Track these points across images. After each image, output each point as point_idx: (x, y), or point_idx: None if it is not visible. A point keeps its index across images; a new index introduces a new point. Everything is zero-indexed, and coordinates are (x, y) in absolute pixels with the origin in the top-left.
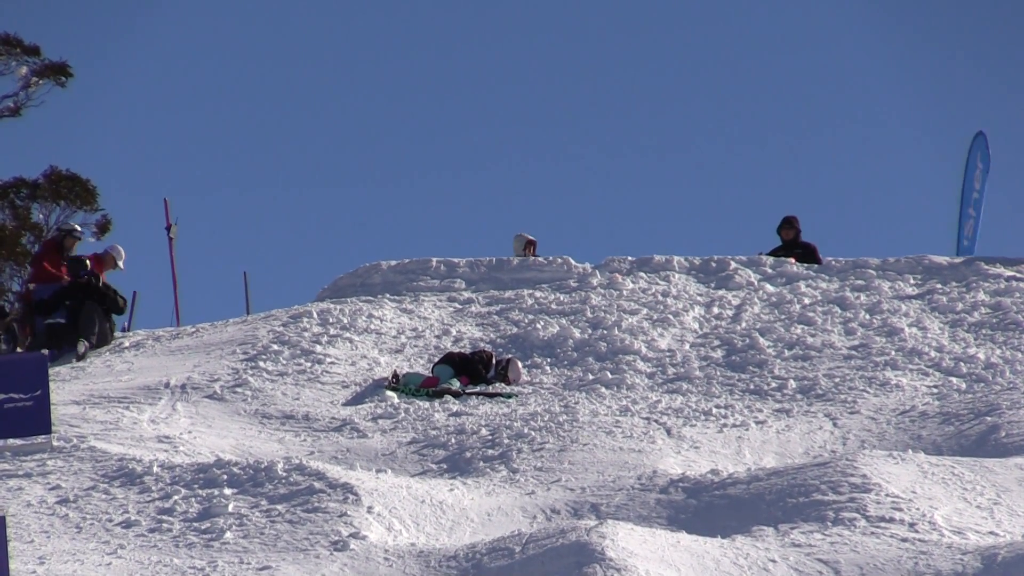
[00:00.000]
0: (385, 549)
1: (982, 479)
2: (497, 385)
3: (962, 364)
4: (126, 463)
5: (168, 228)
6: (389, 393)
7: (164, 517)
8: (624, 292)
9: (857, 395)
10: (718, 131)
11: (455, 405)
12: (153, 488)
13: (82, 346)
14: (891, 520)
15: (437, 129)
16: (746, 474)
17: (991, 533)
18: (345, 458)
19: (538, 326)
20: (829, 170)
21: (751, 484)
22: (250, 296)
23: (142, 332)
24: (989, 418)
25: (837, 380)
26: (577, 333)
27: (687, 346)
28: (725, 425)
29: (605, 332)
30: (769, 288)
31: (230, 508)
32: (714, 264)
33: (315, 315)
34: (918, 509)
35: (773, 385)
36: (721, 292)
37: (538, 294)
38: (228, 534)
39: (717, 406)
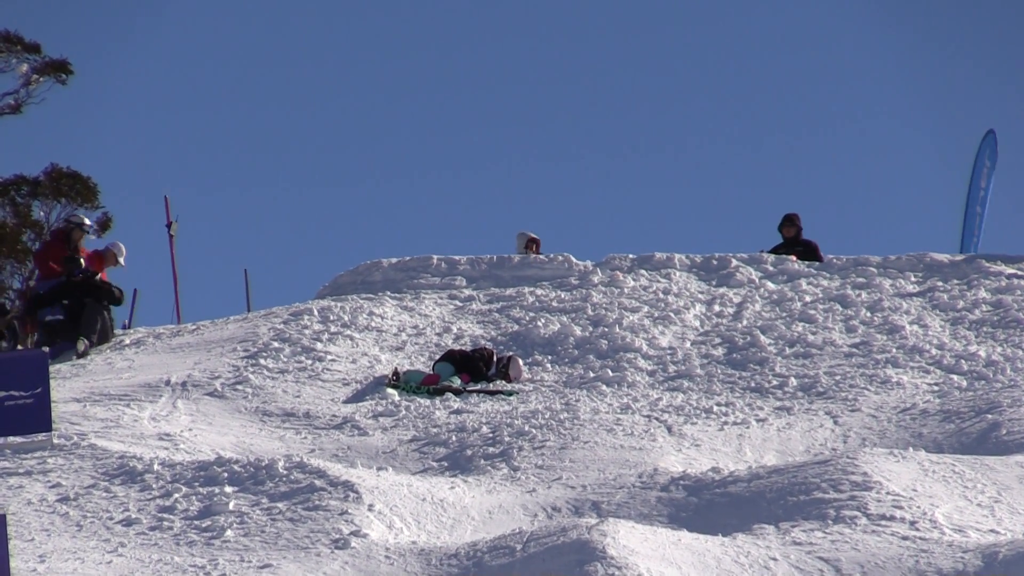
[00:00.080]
0: (386, 547)
1: (983, 477)
2: (498, 383)
3: (963, 362)
4: (127, 461)
5: (169, 225)
6: (390, 391)
7: (165, 515)
8: (625, 290)
9: (858, 393)
10: (719, 129)
11: (456, 403)
12: (154, 486)
13: (82, 344)
14: (892, 518)
15: (438, 127)
16: (747, 472)
17: (992, 531)
18: (346, 456)
19: (539, 324)
20: (830, 168)
21: (752, 482)
22: (251, 293)
23: (143, 329)
24: (990, 416)
25: (838, 378)
26: (578, 331)
27: (688, 344)
28: (726, 423)
29: (606, 330)
30: (770, 286)
31: (231, 506)
32: (715, 262)
33: (316, 312)
34: (919, 507)
35: (774, 383)
36: (722, 290)
37: (539, 292)
38: (229, 532)
39: (718, 404)
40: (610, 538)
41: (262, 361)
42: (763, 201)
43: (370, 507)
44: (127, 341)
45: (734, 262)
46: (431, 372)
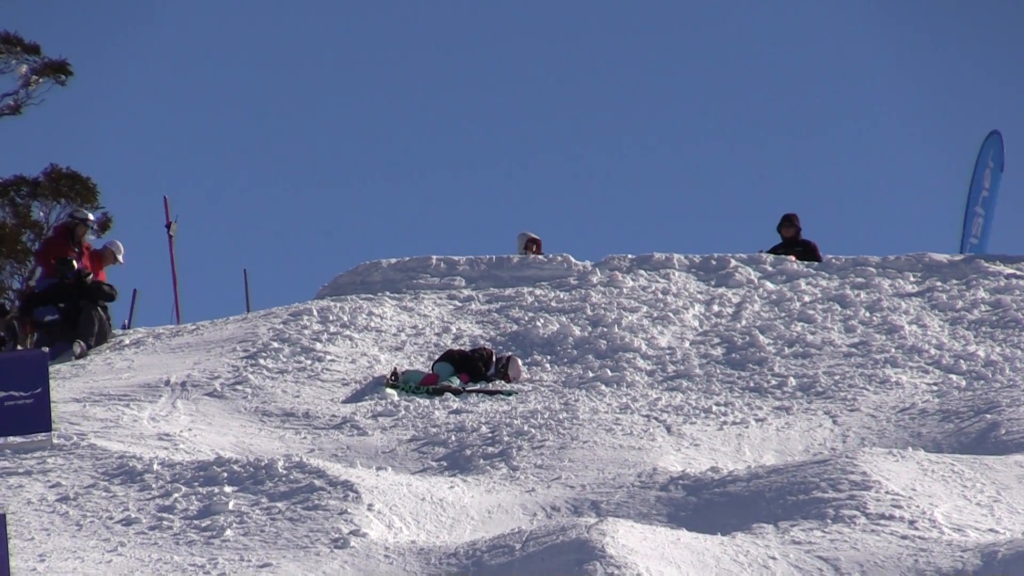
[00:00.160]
0: (385, 547)
1: (982, 476)
2: (497, 383)
3: (962, 362)
4: (126, 461)
5: (168, 226)
6: (389, 391)
7: (164, 515)
8: (624, 290)
9: (857, 392)
10: (719, 129)
11: (455, 403)
12: (153, 486)
13: (78, 347)
14: (891, 517)
15: (437, 127)
16: (746, 472)
17: (991, 530)
18: (345, 456)
19: (538, 324)
20: (829, 168)
21: (751, 482)
22: (250, 294)
23: (142, 330)
24: (989, 415)
25: (837, 378)
26: (577, 331)
27: (687, 344)
28: (725, 423)
29: (605, 330)
30: (769, 286)
31: (230, 506)
32: (714, 262)
33: (315, 313)
34: (918, 506)
35: (773, 383)
36: (721, 290)
37: (538, 292)
38: (228, 532)
39: (717, 404)
40: (609, 537)
41: (261, 361)
42: (762, 201)
43: (369, 507)
44: (127, 341)
45: (733, 262)
46: (430, 372)
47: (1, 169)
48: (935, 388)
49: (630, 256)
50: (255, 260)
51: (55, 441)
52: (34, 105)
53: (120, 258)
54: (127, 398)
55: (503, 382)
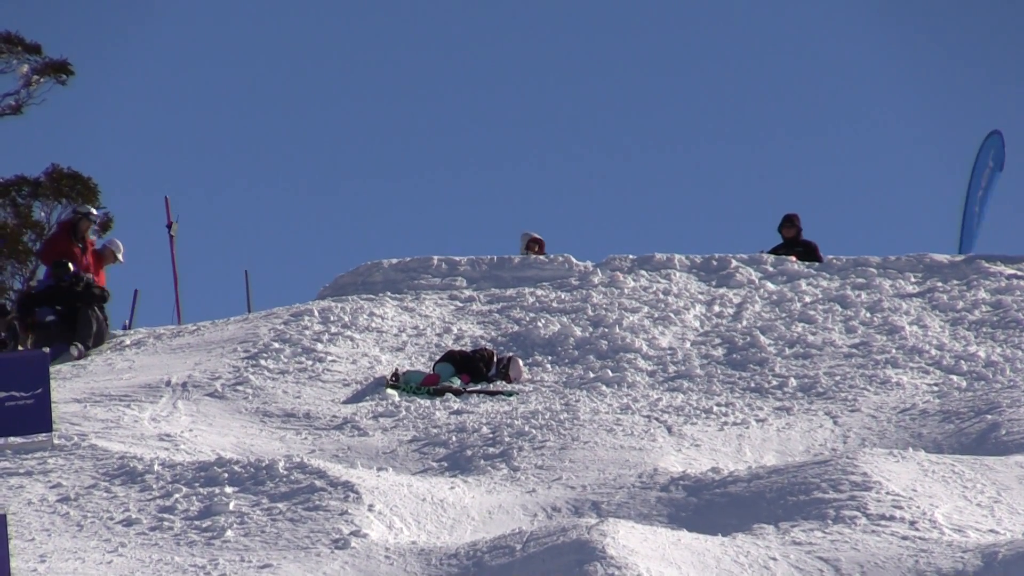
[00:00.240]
0: (386, 547)
1: (982, 477)
2: (498, 383)
3: (963, 362)
4: (127, 461)
5: (169, 226)
6: (390, 391)
7: (165, 515)
8: (625, 290)
9: (858, 393)
10: (719, 129)
11: (456, 403)
12: (154, 486)
13: (75, 350)
14: (892, 518)
15: (438, 128)
16: (747, 472)
17: (991, 531)
18: (346, 456)
19: (539, 324)
20: (830, 168)
21: (752, 482)
22: (251, 294)
23: (143, 330)
24: (989, 416)
25: (838, 378)
26: (578, 331)
27: (688, 344)
28: (726, 423)
29: (606, 330)
30: (770, 286)
31: (231, 506)
32: (715, 262)
33: (316, 313)
34: (918, 507)
35: (774, 383)
36: (722, 290)
37: (539, 292)
38: (229, 532)
39: (718, 404)
40: (610, 538)
41: (262, 362)
42: (763, 202)
43: (370, 507)
44: (127, 342)
45: (734, 263)
46: (431, 373)
47: (2, 169)
48: (936, 389)
49: (631, 256)
50: (256, 260)
51: (56, 442)
52: (35, 105)
53: (120, 257)
54: (128, 398)
55: (504, 383)
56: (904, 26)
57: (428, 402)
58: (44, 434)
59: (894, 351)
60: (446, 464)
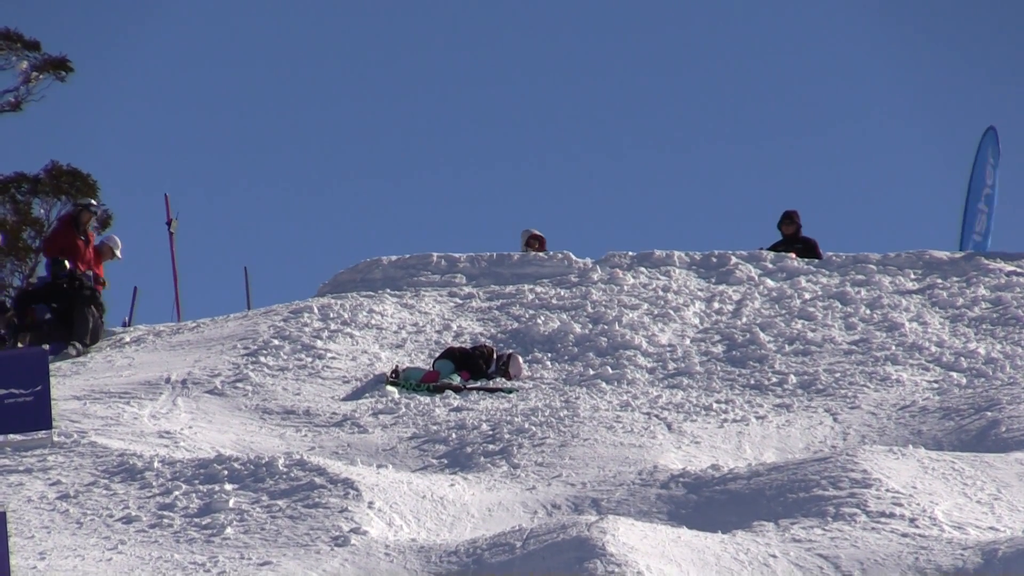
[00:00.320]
0: (386, 544)
1: (982, 474)
2: (498, 380)
3: (962, 359)
4: (127, 458)
5: (169, 223)
6: (390, 388)
7: (165, 512)
8: (625, 287)
9: (857, 390)
10: (719, 127)
11: (456, 400)
12: (154, 483)
13: (73, 350)
14: (891, 515)
15: (438, 125)
16: (746, 469)
17: (991, 528)
18: (346, 453)
19: (539, 321)
20: (829, 165)
21: (751, 479)
22: (251, 291)
23: (143, 327)
24: (989, 413)
25: (837, 375)
26: (578, 328)
27: (688, 341)
28: (725, 420)
29: (606, 327)
30: (770, 283)
31: (231, 503)
32: (715, 259)
33: (316, 310)
34: (918, 504)
35: (773, 380)
36: (722, 287)
37: (539, 289)
38: (229, 529)
39: (718, 401)
40: (610, 535)
41: (262, 359)
42: (762, 199)
43: (370, 504)
44: (127, 339)
45: (733, 259)
46: (431, 370)
47: (1, 166)
48: (936, 386)
49: (631, 253)
50: (256, 257)
51: (55, 439)
52: (34, 102)
53: (118, 253)
54: (127, 396)
55: (504, 380)
56: (902, 25)
57: (428, 399)
58: (44, 431)
59: (894, 348)
60: (446, 461)
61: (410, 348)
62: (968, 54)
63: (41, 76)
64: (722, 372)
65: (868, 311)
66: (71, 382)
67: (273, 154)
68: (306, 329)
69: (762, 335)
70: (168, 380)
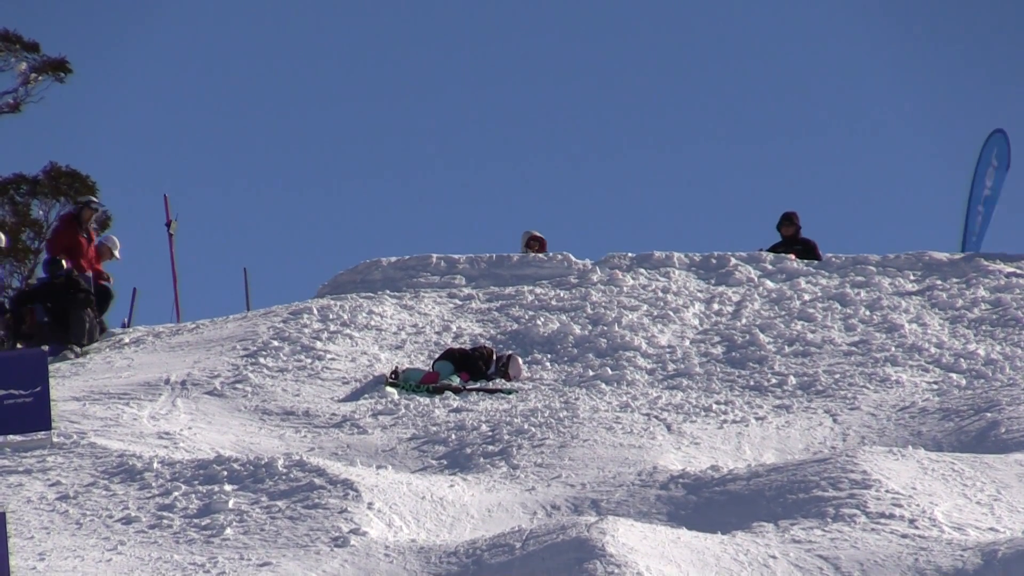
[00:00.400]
0: (385, 545)
1: (982, 475)
2: (497, 381)
3: (962, 360)
4: (126, 459)
5: (168, 224)
6: (389, 389)
7: (164, 513)
8: (624, 288)
9: (857, 391)
10: (719, 128)
11: (455, 401)
12: (153, 484)
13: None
14: (891, 516)
15: (437, 126)
16: (746, 470)
17: (991, 529)
18: (345, 454)
19: (538, 322)
20: (829, 167)
21: (751, 480)
22: (250, 292)
23: (142, 328)
24: (989, 414)
25: (837, 376)
26: (577, 329)
27: (687, 342)
28: (725, 421)
29: (605, 328)
30: (769, 284)
31: (230, 504)
32: (714, 260)
33: (315, 311)
34: (918, 505)
35: (773, 381)
36: (721, 288)
37: (538, 290)
38: (228, 530)
39: (717, 402)
40: (609, 536)
41: (261, 360)
42: (762, 199)
43: (369, 505)
44: (126, 340)
45: (733, 261)
46: (430, 371)
47: (0, 167)
48: (935, 387)
49: (630, 254)
50: (255, 258)
51: (55, 440)
52: (33, 103)
53: (117, 253)
54: (127, 397)
55: (503, 381)
56: (903, 25)
57: (427, 400)
58: (43, 432)
59: (893, 349)
60: (445, 462)
61: (410, 349)
62: (970, 54)
63: (40, 77)
64: (722, 373)
65: (868, 312)
66: (70, 383)
67: (273, 154)
68: (305, 330)
69: (762, 336)
70: (167, 381)
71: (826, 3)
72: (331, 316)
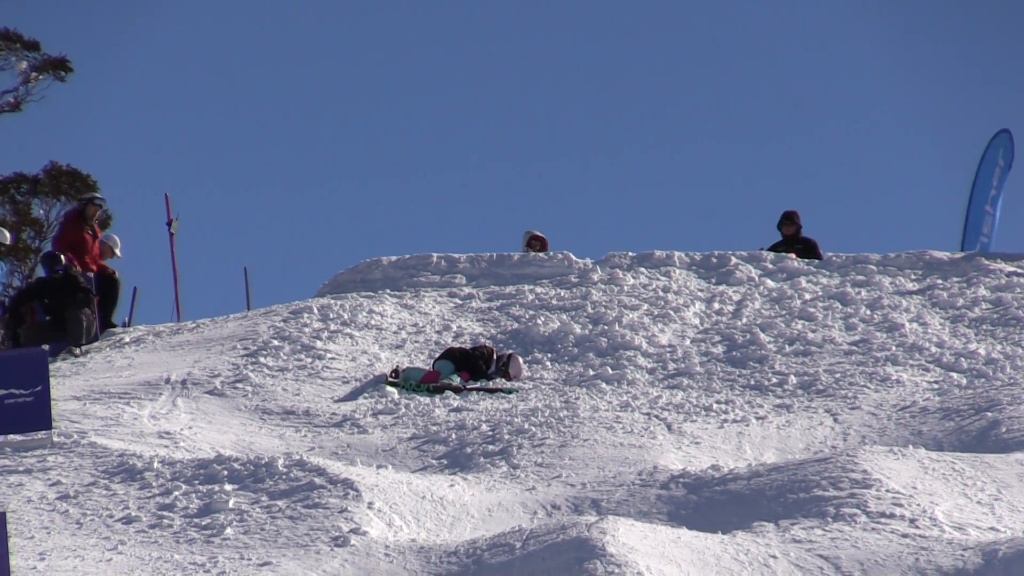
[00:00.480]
0: (385, 545)
1: (983, 475)
2: (498, 381)
3: (963, 360)
4: (126, 459)
5: (169, 223)
6: (389, 388)
7: (164, 513)
8: (625, 288)
9: (858, 391)
10: (719, 128)
11: (456, 401)
12: (153, 484)
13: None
14: (892, 516)
15: (438, 126)
16: (747, 470)
17: (992, 529)
18: (345, 454)
19: (539, 322)
20: (829, 166)
21: (752, 480)
22: (250, 291)
23: (142, 328)
24: (990, 414)
25: (838, 375)
26: (578, 329)
27: (688, 342)
28: (726, 421)
29: (606, 328)
30: (770, 283)
31: (231, 504)
32: (715, 259)
33: (315, 311)
34: (919, 505)
35: (774, 380)
36: (722, 287)
37: (539, 290)
38: (229, 530)
39: (718, 402)
40: (609, 536)
41: (262, 359)
42: (762, 199)
43: (370, 505)
44: (127, 339)
45: (734, 260)
46: (431, 370)
47: (1, 166)
48: (936, 386)
49: (631, 254)
50: (256, 258)
51: (55, 439)
52: (34, 102)
53: (118, 252)
54: (127, 396)
55: (504, 380)
56: (904, 25)
57: (428, 399)
58: (44, 432)
59: (894, 348)
60: (446, 462)
61: (410, 348)
62: (970, 54)
63: (41, 76)
64: (722, 373)
65: (868, 312)
66: (71, 382)
67: (273, 154)
68: (306, 329)
69: (762, 336)
70: (168, 380)
71: (826, 3)
72: (331, 315)
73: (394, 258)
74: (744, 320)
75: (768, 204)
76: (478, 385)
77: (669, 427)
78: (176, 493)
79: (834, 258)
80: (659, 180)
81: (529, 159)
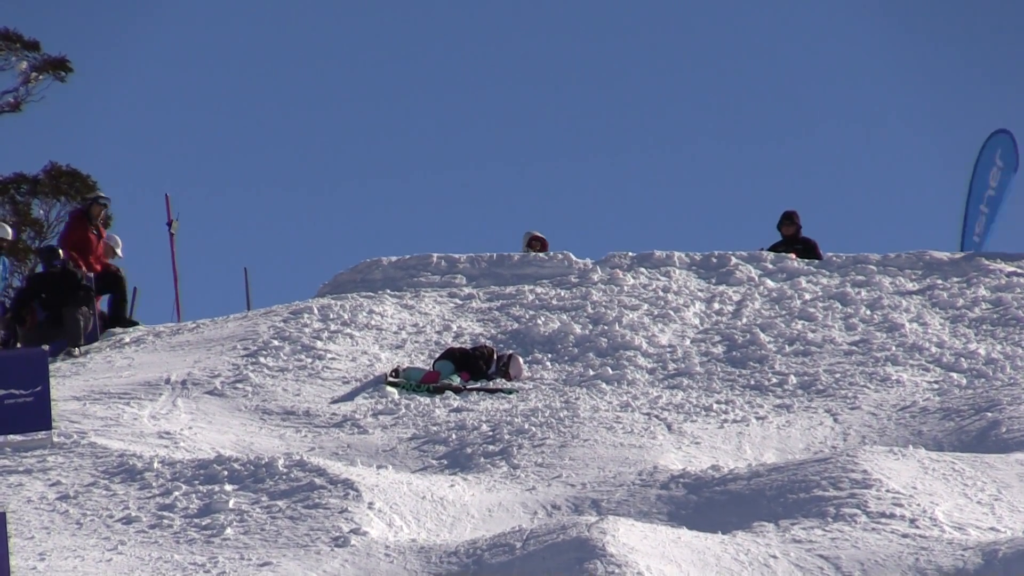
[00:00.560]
0: (386, 545)
1: (983, 475)
2: (498, 381)
3: (963, 360)
4: (126, 459)
5: (169, 224)
6: (390, 389)
7: (165, 513)
8: (625, 288)
9: (858, 391)
10: (719, 128)
11: (456, 401)
12: (154, 484)
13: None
14: (892, 516)
15: (438, 126)
16: (747, 470)
17: (992, 529)
18: (346, 454)
19: (539, 322)
20: (829, 166)
21: (752, 480)
22: (251, 292)
23: (143, 328)
24: (990, 414)
25: (838, 376)
26: (578, 329)
27: (688, 342)
28: (726, 421)
29: (606, 328)
30: (770, 283)
31: (231, 504)
32: (715, 260)
33: (316, 311)
34: (919, 505)
35: (774, 381)
36: (722, 288)
37: (539, 290)
38: (229, 530)
39: (718, 402)
40: (610, 536)
41: (262, 359)
42: (762, 199)
43: (370, 505)
44: (127, 339)
45: (734, 260)
46: (431, 370)
47: (1, 166)
48: (936, 386)
49: (631, 254)
50: (256, 258)
51: (55, 439)
52: (34, 102)
53: (119, 251)
54: (127, 396)
55: (504, 380)
56: (904, 25)
57: (428, 400)
58: (44, 432)
59: (894, 348)
60: (446, 462)
61: (410, 349)
62: (970, 54)
63: (41, 76)
64: (722, 373)
65: (868, 312)
66: (71, 383)
67: (273, 154)
68: (306, 330)
69: (762, 336)
70: (168, 381)
71: (826, 3)
72: (331, 316)
73: (394, 258)
74: (744, 320)
75: (768, 204)
76: (478, 385)
77: (669, 427)
78: (176, 493)
79: (834, 258)
80: (659, 180)
81: (529, 159)
